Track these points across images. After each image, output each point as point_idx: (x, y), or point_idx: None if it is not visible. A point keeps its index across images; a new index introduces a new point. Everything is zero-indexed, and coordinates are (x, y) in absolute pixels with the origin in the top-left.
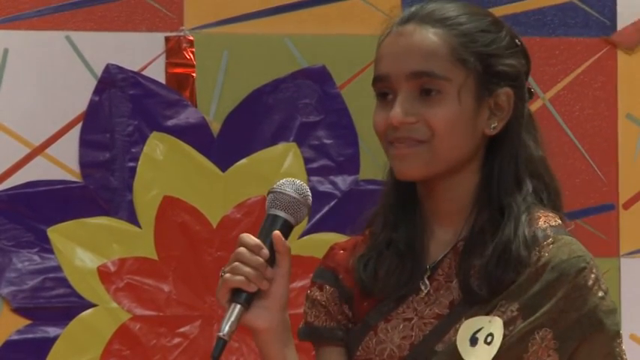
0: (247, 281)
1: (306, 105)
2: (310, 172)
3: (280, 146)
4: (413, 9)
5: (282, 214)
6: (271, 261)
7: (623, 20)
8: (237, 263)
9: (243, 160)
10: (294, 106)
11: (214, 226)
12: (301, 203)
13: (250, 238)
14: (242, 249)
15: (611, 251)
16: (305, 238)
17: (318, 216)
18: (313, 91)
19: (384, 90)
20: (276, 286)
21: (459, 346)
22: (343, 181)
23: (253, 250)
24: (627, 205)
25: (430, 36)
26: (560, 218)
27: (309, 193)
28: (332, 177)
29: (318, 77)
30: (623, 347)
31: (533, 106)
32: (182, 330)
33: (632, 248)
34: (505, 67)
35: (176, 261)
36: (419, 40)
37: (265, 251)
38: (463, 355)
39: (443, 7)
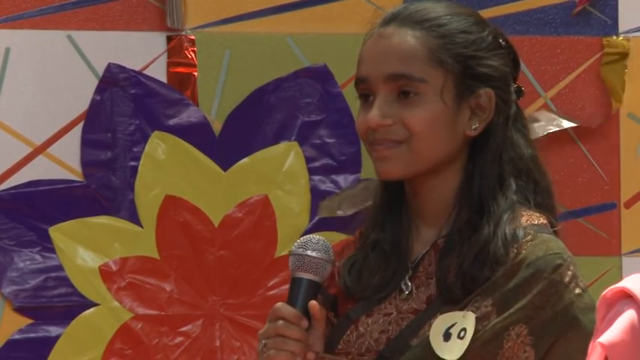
0: (294, 356)
1: (307, 104)
2: (312, 171)
3: (282, 145)
4: (395, 10)
5: (309, 276)
6: (308, 326)
7: (624, 19)
8: (280, 338)
9: (245, 159)
10: (295, 105)
11: (216, 225)
12: (326, 261)
13: (287, 309)
14: (281, 322)
15: (612, 250)
16: None
17: (319, 216)
18: (315, 90)
19: (364, 92)
20: (316, 348)
21: (431, 341)
22: (345, 180)
23: (293, 321)
24: (629, 204)
25: (408, 38)
26: (548, 218)
27: (330, 247)
28: (333, 176)
29: (320, 76)
30: None
31: (535, 105)
32: (184, 329)
33: (633, 247)
34: (486, 68)
35: (178, 260)
36: (397, 43)
37: (305, 321)
38: (436, 350)
39: (425, 8)
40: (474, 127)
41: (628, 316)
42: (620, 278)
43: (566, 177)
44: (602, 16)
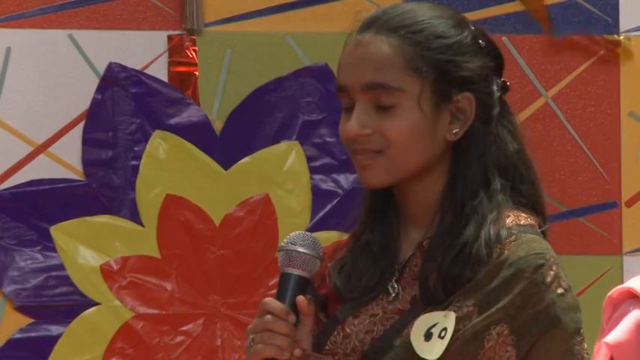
0: (281, 350)
1: (308, 103)
2: (313, 171)
3: (283, 144)
4: (373, 15)
5: (298, 272)
6: (296, 322)
7: (625, 18)
8: (267, 332)
9: (246, 159)
10: (296, 105)
11: (217, 224)
12: (315, 257)
13: (275, 304)
14: (269, 317)
15: (613, 249)
16: None
17: (320, 214)
18: (316, 89)
19: (344, 100)
20: (304, 344)
21: (412, 341)
22: (346, 180)
23: (281, 316)
24: (630, 203)
25: (384, 47)
26: (536, 218)
27: (319, 243)
28: (334, 175)
29: (321, 75)
30: (585, 346)
31: (536, 104)
32: (185, 328)
33: (634, 246)
34: (464, 71)
35: (179, 259)
36: (373, 52)
37: (292, 316)
38: (416, 350)
39: (402, 13)
40: (454, 131)
41: (633, 316)
42: (621, 277)
43: (567, 176)
44: (603, 15)
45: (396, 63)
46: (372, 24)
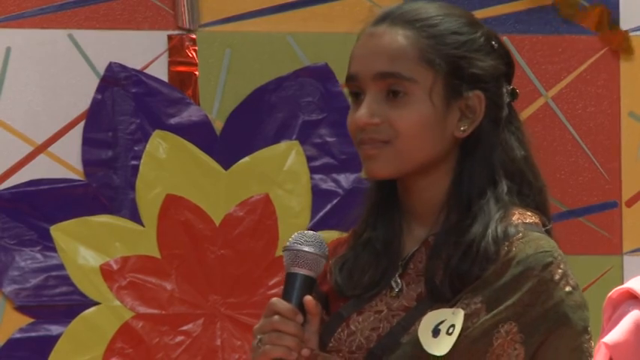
0: (289, 351)
1: (308, 103)
2: (313, 170)
3: (283, 144)
4: (388, 9)
5: (305, 272)
6: (303, 321)
7: (625, 18)
8: (275, 333)
9: (246, 159)
10: (296, 105)
11: (217, 224)
12: (321, 256)
13: (283, 304)
14: (277, 317)
15: (613, 249)
16: None
17: (320, 214)
18: (316, 89)
19: (355, 90)
20: (311, 344)
21: (420, 337)
22: (346, 179)
23: (288, 316)
24: (630, 203)
25: (399, 38)
26: (541, 217)
27: (325, 243)
28: (334, 175)
29: (321, 75)
30: (593, 344)
31: (536, 104)
32: (185, 328)
33: (635, 246)
34: (476, 69)
35: (179, 259)
36: (387, 42)
37: (300, 316)
38: (424, 346)
39: (418, 8)
40: (462, 128)
41: (633, 316)
42: (622, 277)
43: (567, 176)
44: None
45: (410, 54)
46: (387, 17)
